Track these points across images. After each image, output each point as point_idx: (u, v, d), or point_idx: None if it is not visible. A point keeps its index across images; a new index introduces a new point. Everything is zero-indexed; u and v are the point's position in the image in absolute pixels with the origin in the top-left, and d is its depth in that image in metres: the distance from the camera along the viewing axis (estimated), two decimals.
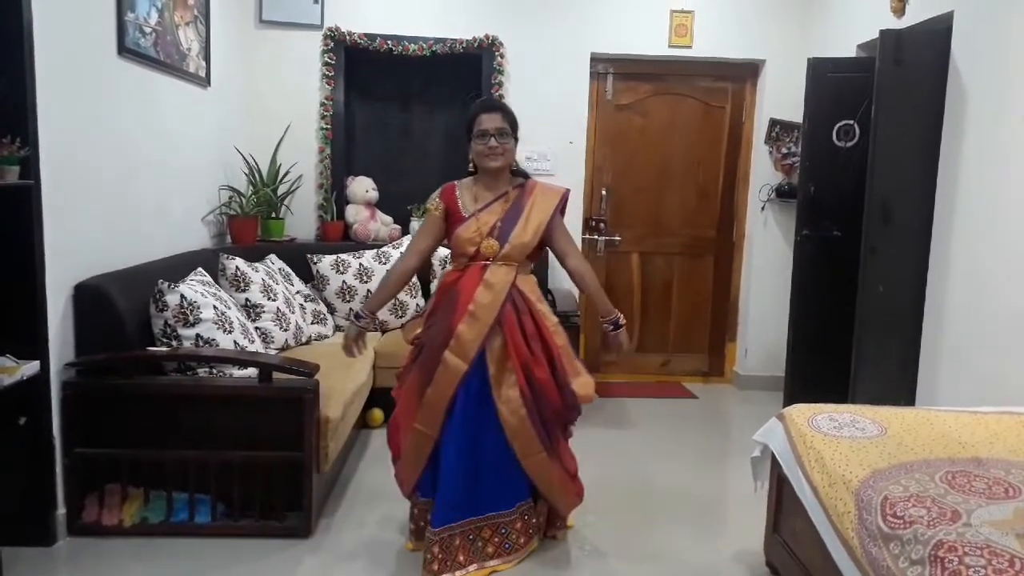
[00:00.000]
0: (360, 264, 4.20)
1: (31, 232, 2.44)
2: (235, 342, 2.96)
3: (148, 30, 3.19)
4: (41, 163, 2.46)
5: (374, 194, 4.64)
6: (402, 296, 4.22)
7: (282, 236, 4.39)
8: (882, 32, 3.49)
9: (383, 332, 4.20)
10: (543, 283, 4.25)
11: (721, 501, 3.41)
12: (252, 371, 2.81)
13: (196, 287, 2.95)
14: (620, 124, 4.96)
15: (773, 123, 4.79)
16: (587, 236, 4.96)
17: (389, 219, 4.69)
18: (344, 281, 4.14)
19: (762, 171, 4.89)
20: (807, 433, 2.31)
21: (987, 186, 3.11)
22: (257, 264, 3.65)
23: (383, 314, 4.16)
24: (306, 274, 4.16)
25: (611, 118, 4.95)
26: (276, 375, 2.78)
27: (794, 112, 4.51)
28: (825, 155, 4.11)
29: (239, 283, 3.43)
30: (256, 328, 3.36)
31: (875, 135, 3.49)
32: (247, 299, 3.42)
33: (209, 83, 3.88)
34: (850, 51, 4.24)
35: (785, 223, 4.81)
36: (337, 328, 4.06)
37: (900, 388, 3.52)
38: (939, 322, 3.38)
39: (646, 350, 5.13)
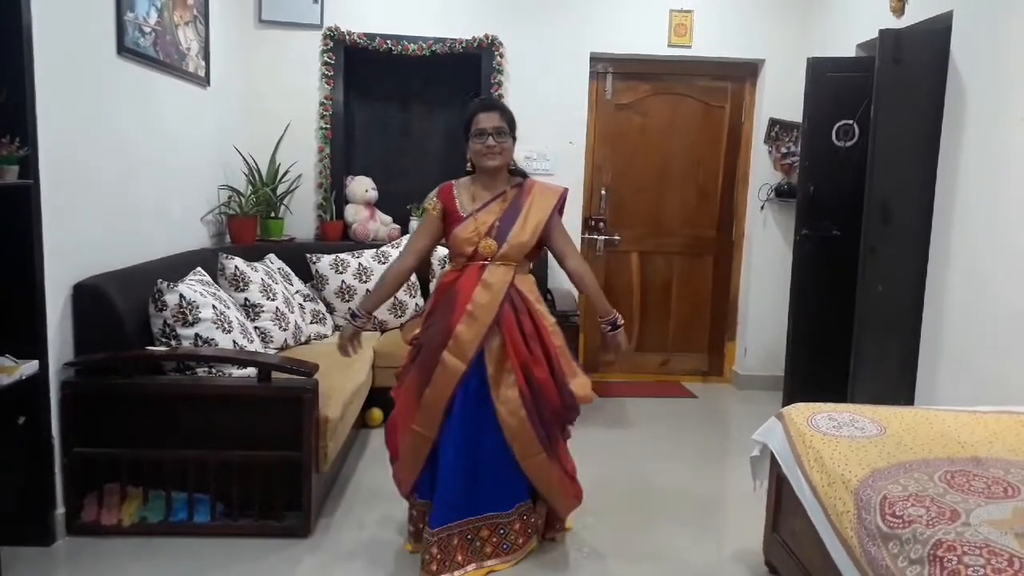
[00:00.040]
0: (359, 264, 4.20)
1: (30, 232, 2.44)
2: (234, 342, 2.96)
3: (147, 30, 3.19)
4: (40, 163, 2.46)
5: (373, 194, 4.64)
6: (401, 296, 4.22)
7: (281, 236, 4.39)
8: (881, 32, 3.49)
9: (382, 332, 4.20)
10: (542, 283, 4.25)
11: (720, 501, 3.41)
12: (251, 371, 2.81)
13: (195, 287, 2.95)
14: (620, 124, 4.96)
15: (772, 123, 4.79)
16: (586, 236, 4.96)
17: (388, 219, 4.69)
18: (343, 281, 4.14)
19: (761, 171, 4.89)
20: (806, 432, 2.31)
21: (986, 186, 3.11)
22: (256, 264, 3.64)
23: (382, 313, 4.16)
24: (305, 274, 4.16)
25: (611, 118, 4.95)
26: (275, 375, 2.78)
27: (794, 112, 4.50)
28: (824, 155, 4.11)
29: (238, 283, 3.42)
30: (255, 328, 3.35)
31: (874, 135, 3.49)
32: (246, 299, 3.42)
33: (208, 83, 3.88)
34: (849, 51, 4.24)
35: (784, 223, 4.81)
36: (336, 328, 4.06)
37: (899, 388, 3.53)
38: (938, 322, 3.38)
39: (645, 350, 5.13)
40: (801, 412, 2.45)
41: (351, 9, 4.55)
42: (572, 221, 4.66)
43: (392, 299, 4.10)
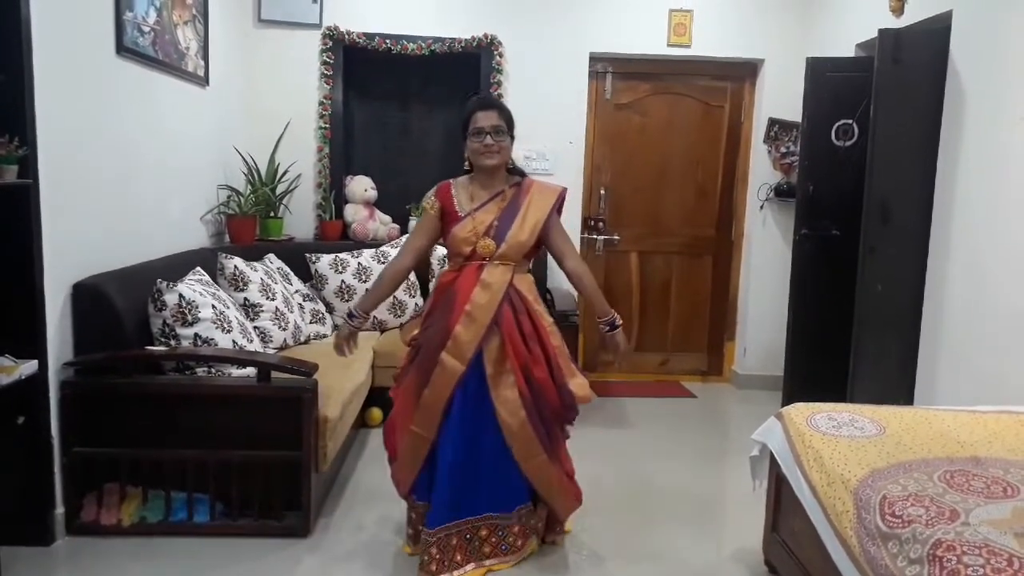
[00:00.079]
0: (359, 263, 4.20)
1: (29, 231, 2.44)
2: (234, 341, 2.96)
3: (146, 29, 3.18)
4: (39, 162, 2.45)
5: (373, 193, 4.64)
6: (401, 295, 4.22)
7: (280, 235, 4.39)
8: (881, 31, 3.50)
9: (382, 331, 4.20)
10: (542, 283, 4.25)
11: (720, 500, 3.41)
12: (251, 370, 2.80)
13: (195, 286, 2.95)
14: (619, 123, 4.96)
15: (772, 122, 4.79)
16: (586, 235, 4.96)
17: (388, 218, 4.69)
18: (343, 280, 4.14)
19: (761, 170, 4.89)
20: (806, 432, 2.31)
21: (986, 185, 3.11)
22: (256, 263, 3.64)
23: (382, 313, 4.16)
24: (305, 273, 4.16)
25: (610, 117, 4.95)
26: (275, 374, 2.78)
27: (793, 111, 4.51)
28: (824, 154, 4.11)
29: (238, 282, 3.42)
30: (255, 327, 3.35)
31: (874, 134, 3.49)
32: (246, 298, 3.42)
33: (208, 82, 3.88)
34: (849, 50, 4.24)
35: (784, 222, 4.81)
36: (336, 327, 4.05)
37: (899, 387, 3.53)
38: (938, 321, 3.38)
39: (645, 349, 5.14)
40: (800, 412, 2.45)
41: (350, 9, 4.55)
42: (571, 221, 4.66)
43: (391, 298, 4.09)
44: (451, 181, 2.61)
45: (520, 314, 2.47)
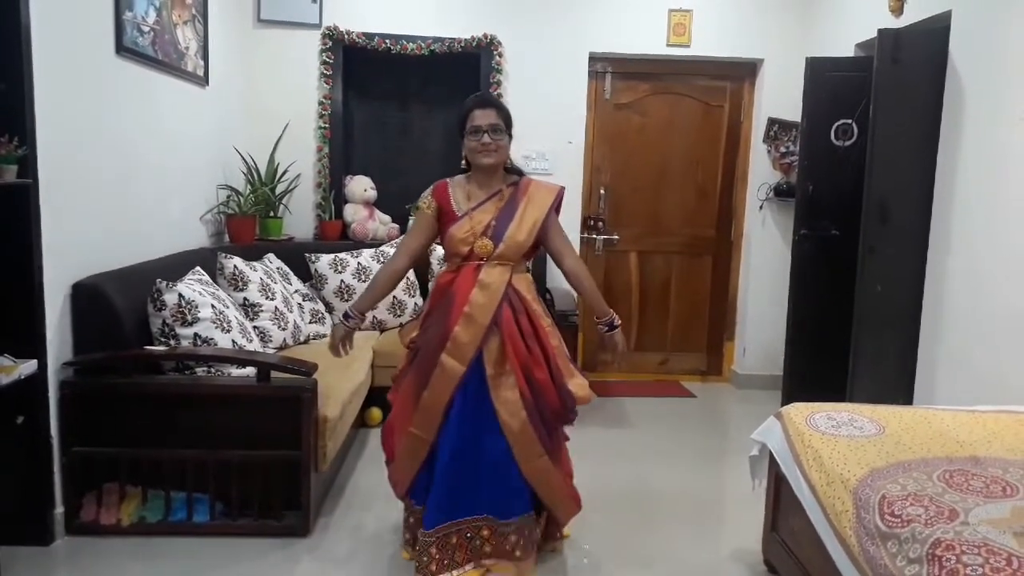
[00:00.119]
0: (358, 263, 4.20)
1: (29, 231, 2.44)
2: (233, 341, 2.96)
3: (146, 29, 3.18)
4: (39, 162, 2.45)
5: (372, 193, 4.64)
6: (400, 295, 4.22)
7: (280, 235, 4.39)
8: (880, 31, 3.50)
9: (381, 331, 4.20)
10: (541, 282, 4.25)
11: (719, 500, 3.41)
12: (250, 370, 2.80)
13: (194, 286, 2.95)
14: (618, 123, 4.96)
15: (771, 122, 4.79)
16: (585, 235, 4.96)
17: (387, 218, 4.69)
18: (342, 280, 4.14)
19: (760, 170, 4.89)
20: (805, 432, 2.31)
21: (985, 186, 3.11)
22: (255, 263, 3.64)
23: (381, 313, 4.17)
24: (304, 273, 4.16)
25: (609, 117, 4.95)
26: (274, 374, 2.78)
27: (792, 111, 4.51)
28: (823, 154, 4.11)
29: (237, 282, 3.42)
30: (254, 327, 3.35)
31: (873, 134, 3.50)
32: (245, 298, 3.42)
33: (207, 82, 3.88)
34: (848, 50, 4.24)
35: (783, 222, 4.82)
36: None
37: (898, 387, 3.53)
38: (937, 321, 3.39)
39: (644, 349, 5.14)
40: (800, 411, 2.46)
41: (350, 8, 4.55)
42: (571, 221, 4.66)
43: (391, 298, 4.10)
44: (448, 180, 2.57)
45: (519, 314, 2.45)
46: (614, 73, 4.91)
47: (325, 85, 4.56)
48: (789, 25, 4.76)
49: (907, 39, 3.46)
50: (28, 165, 2.40)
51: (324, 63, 4.54)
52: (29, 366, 2.43)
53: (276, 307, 3.54)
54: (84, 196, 2.79)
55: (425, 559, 2.40)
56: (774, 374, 4.62)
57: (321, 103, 4.57)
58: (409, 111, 4.89)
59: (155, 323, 2.82)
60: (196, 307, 2.85)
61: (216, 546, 2.68)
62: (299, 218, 4.62)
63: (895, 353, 3.56)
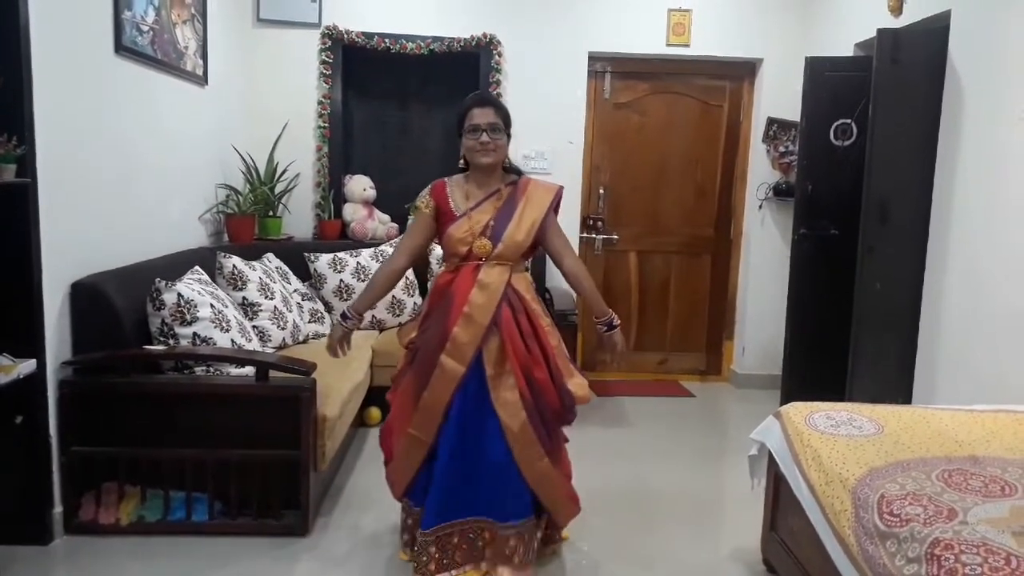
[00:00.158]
0: (357, 263, 4.20)
1: (28, 230, 2.44)
2: (232, 340, 2.95)
3: (145, 28, 3.18)
4: (38, 161, 2.45)
5: (371, 192, 4.64)
6: (399, 294, 4.22)
7: (279, 235, 4.39)
8: (879, 31, 3.50)
9: (380, 330, 4.20)
10: (540, 281, 4.25)
11: (718, 499, 3.41)
12: (249, 370, 2.80)
13: (193, 285, 2.94)
14: (618, 123, 4.96)
15: (771, 122, 4.79)
16: (585, 235, 4.96)
17: (387, 217, 4.69)
18: (341, 280, 4.14)
19: (760, 170, 4.89)
20: (804, 431, 2.31)
21: (984, 185, 3.11)
22: (254, 263, 3.64)
23: (380, 312, 4.16)
24: (303, 272, 4.16)
25: (609, 117, 4.95)
26: (273, 374, 2.78)
27: (792, 111, 4.51)
28: (822, 154, 4.12)
29: (236, 281, 3.42)
30: (253, 327, 3.35)
31: (872, 134, 3.50)
32: (244, 297, 3.42)
33: (206, 81, 3.88)
34: (847, 50, 4.24)
35: (782, 222, 4.82)
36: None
37: (897, 386, 3.53)
38: (936, 321, 3.39)
39: (644, 349, 5.14)
40: (799, 411, 2.46)
41: (349, 8, 4.55)
42: (570, 220, 4.67)
43: (390, 297, 4.09)
44: (446, 180, 2.55)
45: (519, 314, 2.43)
46: (613, 73, 4.91)
47: (324, 84, 4.56)
48: (788, 25, 4.76)
49: (906, 39, 3.47)
50: (27, 164, 2.39)
51: (323, 62, 4.54)
52: (28, 365, 2.43)
53: (275, 306, 3.54)
54: (83, 195, 2.78)
55: (424, 558, 2.39)
56: (773, 373, 4.62)
57: (320, 102, 4.57)
58: (408, 110, 4.89)
59: (154, 322, 2.82)
60: (195, 306, 2.85)
61: (215, 545, 2.68)
62: (298, 217, 4.62)
63: (894, 352, 3.56)
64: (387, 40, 4.54)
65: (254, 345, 3.13)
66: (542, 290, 4.18)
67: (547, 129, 4.67)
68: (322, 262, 4.16)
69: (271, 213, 4.35)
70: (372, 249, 4.32)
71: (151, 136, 3.32)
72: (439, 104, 4.81)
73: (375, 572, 2.59)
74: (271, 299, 3.53)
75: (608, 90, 4.92)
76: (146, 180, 3.28)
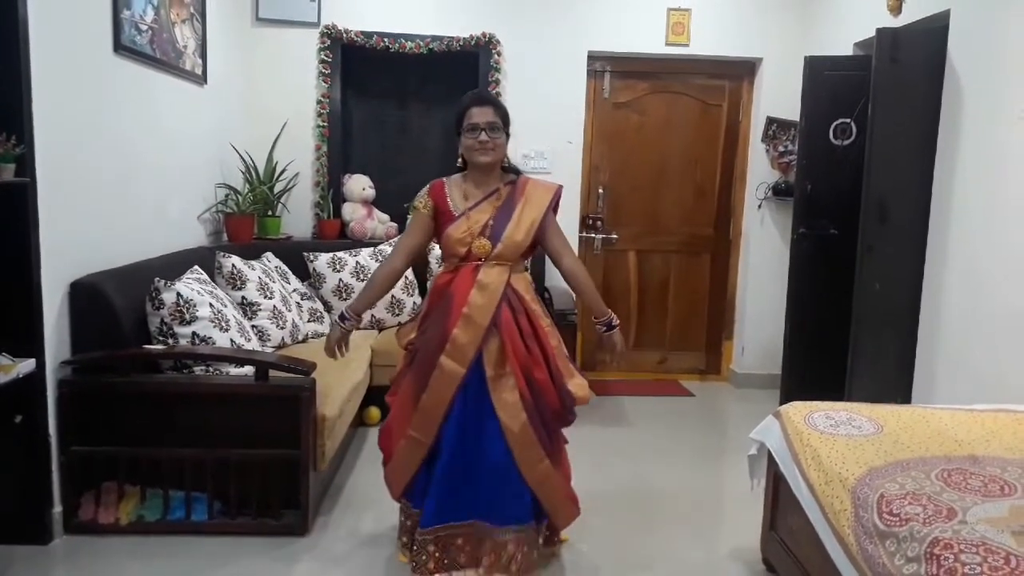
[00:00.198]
0: (356, 262, 4.20)
1: (27, 230, 2.44)
2: (231, 340, 2.95)
3: (144, 27, 3.18)
4: (37, 161, 2.45)
5: (371, 192, 4.64)
6: (399, 294, 4.22)
7: (278, 234, 4.39)
8: (879, 30, 3.50)
9: (379, 330, 4.20)
10: (539, 281, 4.25)
11: (718, 499, 3.41)
12: (249, 369, 2.80)
13: (192, 285, 2.94)
14: (617, 122, 4.96)
15: (770, 121, 4.79)
16: (584, 234, 4.96)
17: (386, 217, 4.69)
18: (341, 279, 4.13)
19: (759, 169, 4.89)
20: (803, 431, 2.31)
21: (983, 185, 3.12)
22: (253, 262, 3.64)
23: (379, 312, 4.16)
24: (303, 272, 4.15)
25: (608, 116, 4.95)
26: (273, 373, 2.78)
27: (791, 110, 4.51)
28: (822, 153, 4.12)
29: (235, 281, 3.42)
30: (253, 326, 3.35)
31: (872, 133, 3.50)
32: (243, 297, 3.42)
33: (206, 81, 3.87)
34: (847, 49, 4.24)
35: (782, 221, 4.82)
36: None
37: (896, 386, 3.53)
38: (935, 320, 3.39)
39: (643, 348, 5.14)
40: (798, 410, 2.46)
41: (348, 7, 4.55)
42: (570, 220, 4.67)
43: (390, 297, 4.09)
44: (444, 179, 2.53)
45: (518, 314, 2.42)
46: (613, 72, 4.91)
47: (323, 84, 4.56)
48: (788, 24, 4.76)
49: (906, 38, 3.47)
50: (26, 164, 2.39)
51: (322, 62, 4.53)
52: (27, 365, 2.43)
53: (274, 306, 3.54)
54: (82, 195, 2.78)
55: (423, 557, 2.38)
56: (772, 373, 4.62)
57: (319, 102, 4.56)
58: (408, 110, 4.89)
59: (153, 322, 2.82)
60: (194, 306, 2.85)
61: (214, 545, 2.68)
62: (297, 217, 4.62)
63: (894, 352, 3.56)
64: (386, 39, 4.54)
65: (253, 345, 3.13)
66: (541, 289, 4.18)
67: (546, 129, 4.67)
68: (321, 261, 4.16)
69: (270, 212, 4.35)
70: (371, 248, 4.32)
71: (150, 135, 3.31)
72: (438, 103, 4.81)
73: (375, 572, 2.59)
74: (270, 298, 3.53)
75: (607, 90, 4.92)
76: (145, 179, 3.28)
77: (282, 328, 3.55)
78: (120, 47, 2.98)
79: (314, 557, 2.66)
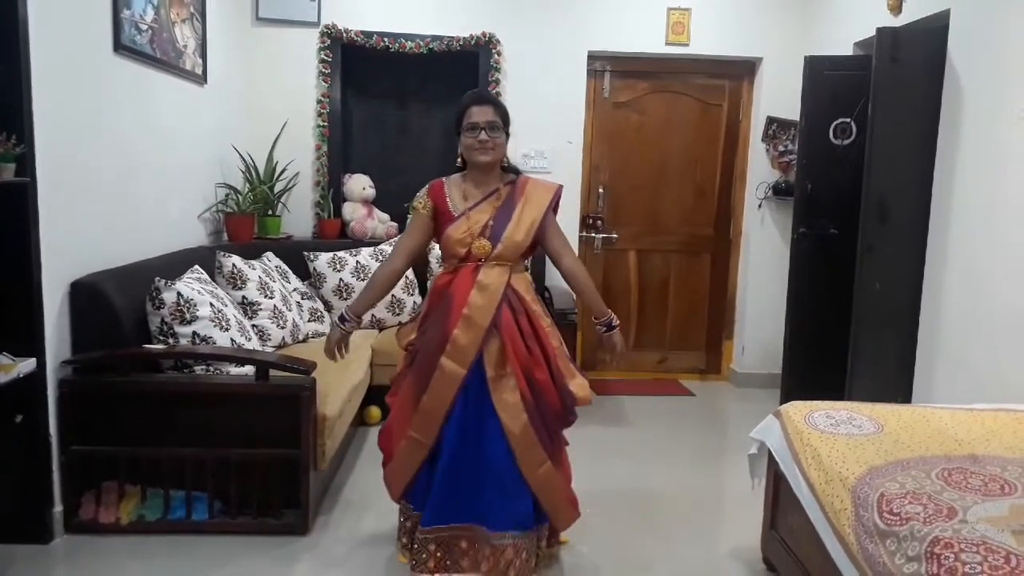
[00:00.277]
0: (357, 262, 4.20)
1: (27, 229, 2.44)
2: (232, 340, 2.95)
3: (144, 27, 3.18)
4: (37, 160, 2.45)
5: (371, 191, 4.64)
6: (399, 293, 4.22)
7: (279, 234, 4.39)
8: (879, 30, 3.50)
9: (380, 329, 4.20)
10: (540, 280, 4.25)
11: (718, 498, 3.42)
12: (249, 369, 2.80)
13: (193, 285, 2.94)
14: (617, 122, 4.96)
15: (770, 121, 4.79)
16: (584, 234, 4.96)
17: (386, 216, 4.69)
18: (341, 279, 4.13)
19: (759, 169, 4.89)
20: (804, 430, 2.31)
21: (983, 184, 3.12)
22: (254, 262, 3.64)
23: (380, 311, 4.16)
24: (303, 271, 4.15)
25: (608, 116, 4.95)
26: (273, 373, 2.78)
27: (791, 110, 4.51)
28: (822, 153, 4.12)
29: (236, 280, 3.42)
30: (253, 326, 3.35)
31: (872, 133, 3.50)
32: (244, 297, 3.42)
33: (206, 80, 3.87)
34: (847, 49, 4.25)
35: (782, 221, 4.82)
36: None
37: (897, 385, 3.53)
38: (935, 320, 3.39)
39: (643, 347, 5.14)
40: (799, 410, 2.46)
41: (348, 7, 4.55)
42: (570, 219, 4.67)
43: (390, 296, 4.09)
44: (443, 179, 2.52)
45: (519, 315, 2.41)
46: (613, 72, 4.91)
47: (324, 83, 4.56)
48: (788, 24, 4.76)
49: (906, 38, 3.47)
50: (26, 163, 2.39)
51: (322, 61, 4.53)
52: (28, 364, 2.43)
53: (275, 305, 3.54)
54: (82, 194, 2.78)
55: (424, 556, 2.38)
56: (773, 372, 4.62)
57: (320, 101, 4.56)
58: (408, 109, 4.89)
59: (154, 321, 2.82)
60: (195, 305, 2.85)
61: (215, 544, 2.68)
62: (298, 216, 4.62)
63: (894, 352, 3.56)
64: (386, 39, 4.54)
65: (254, 344, 3.13)
66: (541, 289, 4.18)
67: (547, 128, 4.67)
68: (321, 261, 4.16)
69: (270, 212, 4.34)
70: (371, 248, 4.32)
71: (150, 135, 3.31)
72: (438, 103, 4.81)
73: (375, 571, 2.59)
74: (271, 298, 3.53)
75: (607, 89, 4.92)
76: (145, 179, 3.28)
77: (282, 328, 3.55)
78: (120, 47, 2.98)
79: (314, 557, 2.66)
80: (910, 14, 3.65)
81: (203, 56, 3.82)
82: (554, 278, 4.33)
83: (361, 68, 4.72)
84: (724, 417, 4.67)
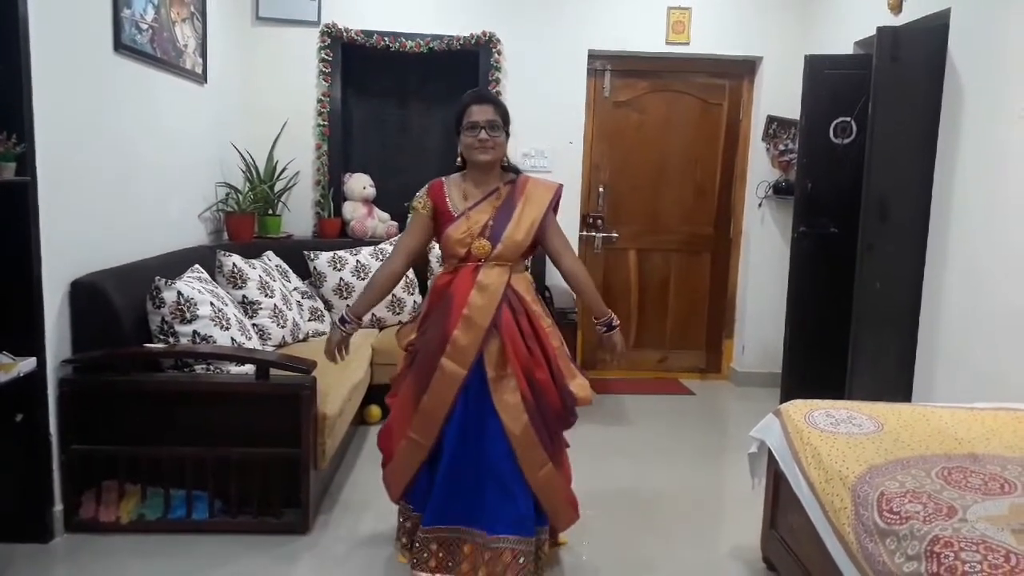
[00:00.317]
0: (357, 261, 4.20)
1: (27, 229, 2.44)
2: (232, 339, 2.95)
3: (144, 26, 3.18)
4: (37, 160, 2.45)
5: (371, 191, 4.64)
6: (400, 293, 4.22)
7: (279, 233, 4.39)
8: (879, 29, 3.50)
9: (380, 329, 4.20)
10: (540, 280, 4.25)
11: (718, 497, 3.42)
12: (249, 368, 2.80)
13: (193, 284, 2.94)
14: (617, 121, 4.96)
15: (770, 120, 4.79)
16: (584, 233, 4.96)
17: (386, 216, 4.69)
18: (341, 278, 4.14)
19: (759, 168, 4.89)
20: (804, 429, 2.32)
21: (984, 183, 3.12)
22: (254, 261, 3.64)
23: (380, 310, 4.16)
24: (303, 271, 4.16)
25: (608, 115, 4.95)
26: (273, 372, 2.78)
27: (791, 109, 4.50)
28: (822, 152, 4.12)
29: (236, 280, 3.42)
30: (253, 325, 3.35)
31: (872, 132, 3.50)
32: (244, 296, 3.42)
33: (206, 80, 3.87)
34: (847, 48, 4.24)
35: (782, 220, 4.82)
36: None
37: (897, 384, 3.53)
38: (936, 319, 3.39)
39: (643, 347, 5.14)
40: (799, 409, 2.46)
41: (348, 6, 4.55)
42: (570, 218, 4.67)
43: (390, 296, 4.07)
44: (443, 179, 2.51)
45: (519, 315, 2.40)
46: (613, 71, 4.91)
47: (324, 83, 4.56)
48: (788, 23, 4.76)
49: (906, 37, 3.46)
50: (26, 162, 2.39)
51: (323, 60, 4.53)
52: (28, 364, 2.43)
53: (275, 305, 3.54)
54: (83, 194, 2.78)
55: (425, 555, 2.38)
56: (773, 371, 4.62)
57: (320, 101, 4.56)
58: (408, 109, 4.88)
59: (154, 321, 2.82)
60: (195, 305, 2.85)
61: (215, 543, 2.68)
62: (298, 216, 4.62)
63: (894, 351, 3.56)
64: (386, 38, 4.54)
65: (254, 343, 3.13)
66: (542, 288, 4.18)
67: (547, 127, 4.67)
68: (322, 260, 4.16)
69: (271, 211, 4.34)
70: (372, 247, 4.32)
71: (150, 134, 3.31)
72: (438, 102, 4.81)
73: (375, 570, 2.59)
74: (271, 297, 3.53)
75: (608, 88, 4.92)
76: (145, 178, 3.28)
77: (283, 327, 3.55)
78: (120, 46, 2.98)
79: (314, 556, 2.66)
80: (910, 13, 3.65)
81: (203, 55, 3.82)
82: (554, 278, 4.33)
83: (361, 67, 4.72)
84: (724, 416, 4.67)
